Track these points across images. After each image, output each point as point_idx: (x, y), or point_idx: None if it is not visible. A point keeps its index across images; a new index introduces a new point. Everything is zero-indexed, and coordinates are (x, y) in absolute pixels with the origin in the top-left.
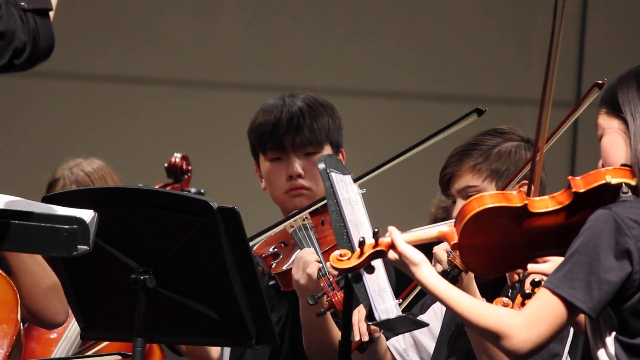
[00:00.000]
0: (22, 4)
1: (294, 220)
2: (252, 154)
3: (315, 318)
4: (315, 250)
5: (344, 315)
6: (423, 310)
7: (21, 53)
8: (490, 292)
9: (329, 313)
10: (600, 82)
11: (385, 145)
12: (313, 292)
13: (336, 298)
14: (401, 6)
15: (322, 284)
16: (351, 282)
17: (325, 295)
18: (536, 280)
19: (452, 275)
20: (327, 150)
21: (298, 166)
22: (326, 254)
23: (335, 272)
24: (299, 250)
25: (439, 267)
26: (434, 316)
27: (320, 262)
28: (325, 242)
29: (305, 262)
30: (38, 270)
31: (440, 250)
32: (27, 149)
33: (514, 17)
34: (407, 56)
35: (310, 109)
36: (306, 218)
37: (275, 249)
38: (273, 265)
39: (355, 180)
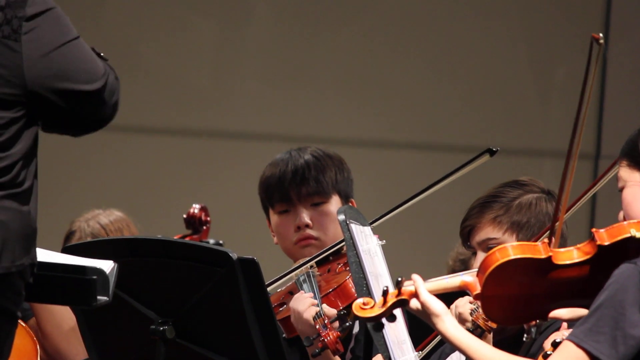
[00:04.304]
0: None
1: (300, 270)
2: (263, 209)
3: None
4: (315, 294)
5: None
6: (441, 359)
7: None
8: (509, 346)
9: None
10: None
11: (403, 197)
12: (309, 335)
13: (329, 338)
14: (419, 58)
15: (317, 326)
16: (371, 331)
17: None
18: (557, 340)
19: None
20: (336, 200)
21: (305, 216)
22: (325, 298)
23: (332, 314)
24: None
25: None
26: None
27: (317, 305)
28: (325, 287)
29: (299, 309)
30: (60, 311)
31: (466, 311)
32: (45, 199)
33: (533, 69)
34: (426, 107)
35: (316, 161)
36: (312, 267)
37: (283, 299)
38: (278, 314)
39: (370, 223)
